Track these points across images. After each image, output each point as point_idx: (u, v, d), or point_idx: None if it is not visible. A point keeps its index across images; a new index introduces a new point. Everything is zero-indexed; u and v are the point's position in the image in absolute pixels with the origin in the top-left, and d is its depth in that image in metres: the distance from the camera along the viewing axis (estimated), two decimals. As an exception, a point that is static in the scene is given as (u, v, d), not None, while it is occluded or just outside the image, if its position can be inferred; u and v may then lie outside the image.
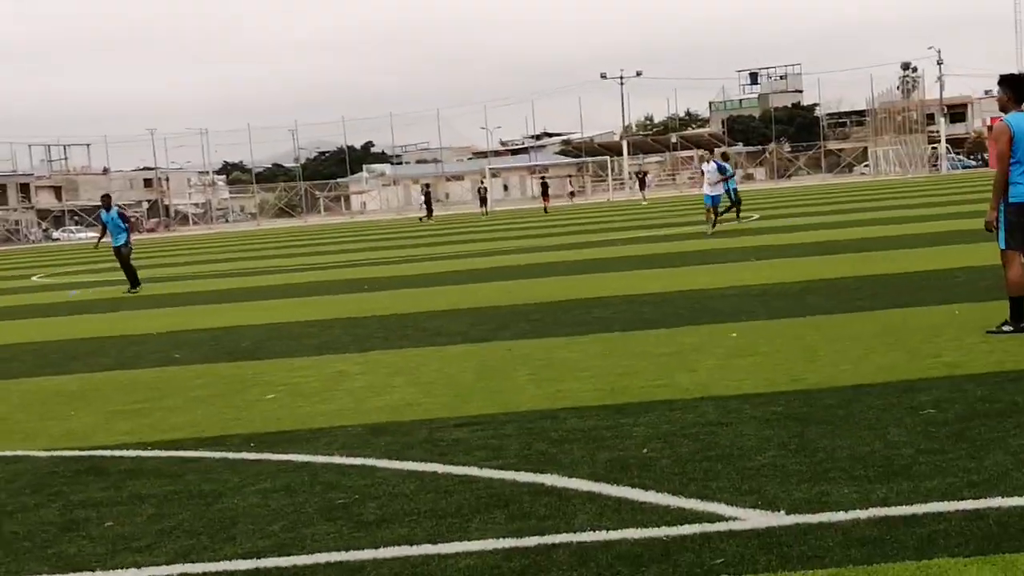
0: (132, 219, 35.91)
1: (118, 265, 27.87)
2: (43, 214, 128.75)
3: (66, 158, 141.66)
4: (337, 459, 8.09)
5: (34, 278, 39.74)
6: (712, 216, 33.30)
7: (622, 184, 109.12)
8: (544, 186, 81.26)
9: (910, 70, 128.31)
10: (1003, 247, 11.12)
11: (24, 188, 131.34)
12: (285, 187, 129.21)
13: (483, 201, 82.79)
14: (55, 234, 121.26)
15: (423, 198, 78.86)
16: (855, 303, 14.44)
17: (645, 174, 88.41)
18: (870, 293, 15.22)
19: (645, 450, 7.60)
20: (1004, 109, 11.15)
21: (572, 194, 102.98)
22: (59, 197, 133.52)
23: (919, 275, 17.09)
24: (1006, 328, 11.02)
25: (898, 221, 31.85)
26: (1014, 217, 11.00)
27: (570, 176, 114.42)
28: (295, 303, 21.08)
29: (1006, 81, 11.16)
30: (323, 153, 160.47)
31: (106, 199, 27.98)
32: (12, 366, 15.02)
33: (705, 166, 34.53)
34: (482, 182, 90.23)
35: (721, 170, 33.61)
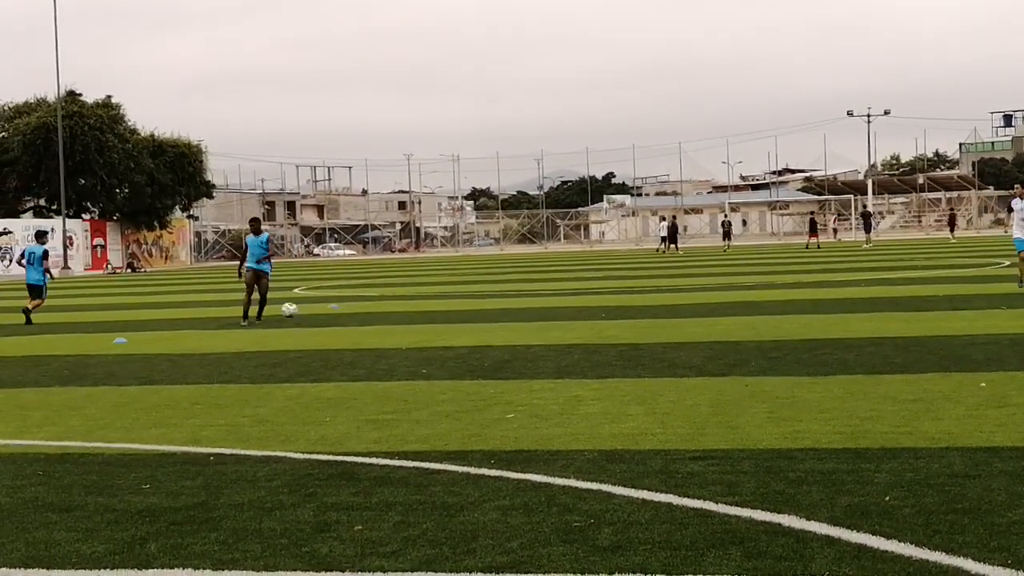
0: (274, 251, 35.59)
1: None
2: (306, 231, 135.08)
3: (329, 179, 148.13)
4: (573, 482, 8.16)
5: (296, 290, 41.04)
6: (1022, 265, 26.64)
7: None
8: (812, 223, 79.98)
9: None
10: None
11: (291, 206, 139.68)
12: (528, 214, 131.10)
13: (726, 235, 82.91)
14: (316, 250, 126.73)
15: (666, 229, 78.65)
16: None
17: (870, 215, 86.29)
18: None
19: (887, 497, 7.43)
20: None
21: (835, 230, 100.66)
22: (321, 215, 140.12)
23: None
24: None
25: None
26: None
27: (838, 214, 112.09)
28: (535, 327, 21.27)
29: None
30: (566, 182, 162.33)
31: (255, 223, 26.29)
32: (276, 371, 15.62)
33: (1017, 203, 26.98)
34: (725, 216, 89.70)
35: None
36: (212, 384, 14.53)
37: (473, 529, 7.01)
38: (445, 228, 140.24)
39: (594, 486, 8.01)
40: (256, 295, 25.07)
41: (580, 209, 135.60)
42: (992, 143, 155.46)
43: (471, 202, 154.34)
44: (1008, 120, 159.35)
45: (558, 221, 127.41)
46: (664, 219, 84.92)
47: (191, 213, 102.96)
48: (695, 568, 6.09)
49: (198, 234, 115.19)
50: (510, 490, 7.99)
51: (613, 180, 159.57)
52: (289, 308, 25.93)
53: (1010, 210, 27.97)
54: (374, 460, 9.25)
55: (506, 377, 14.09)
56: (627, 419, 10.73)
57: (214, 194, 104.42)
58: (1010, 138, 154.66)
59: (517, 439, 9.92)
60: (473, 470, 8.71)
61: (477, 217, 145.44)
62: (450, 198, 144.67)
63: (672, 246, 75.60)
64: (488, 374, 14.47)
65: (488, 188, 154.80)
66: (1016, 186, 27.60)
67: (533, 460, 9.00)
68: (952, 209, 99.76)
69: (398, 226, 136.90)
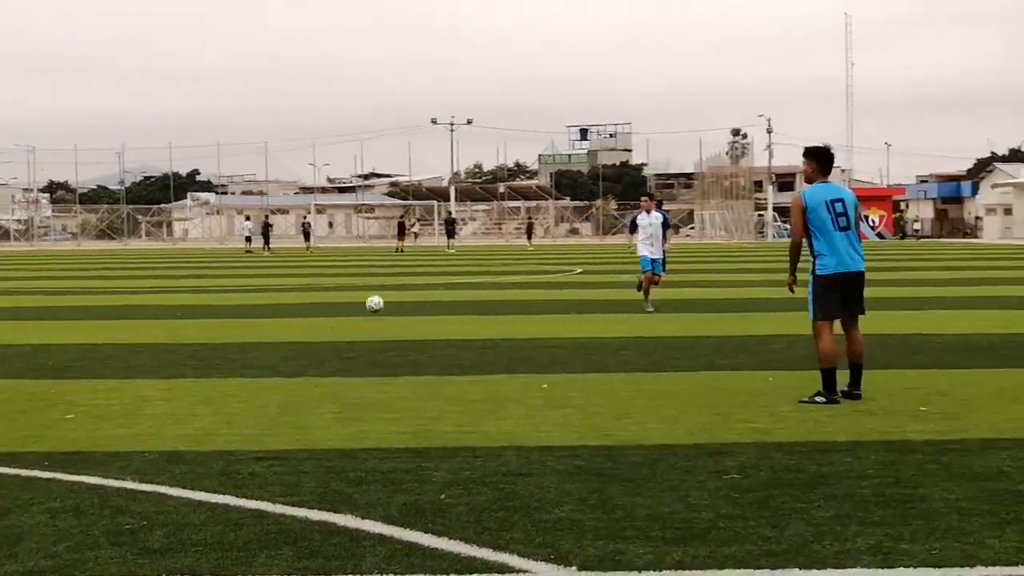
0: None
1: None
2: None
3: None
4: (130, 484, 7.89)
5: None
6: (648, 285, 23.51)
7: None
8: (401, 226, 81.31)
9: (740, 136, 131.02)
10: (813, 319, 11.34)
11: None
12: (108, 209, 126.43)
13: (307, 236, 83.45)
14: None
15: (261, 228, 78.01)
16: (672, 362, 14.52)
17: (454, 221, 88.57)
18: (688, 354, 15.34)
19: (443, 496, 7.49)
20: (809, 180, 11.54)
21: (416, 235, 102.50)
22: None
23: (737, 339, 17.22)
24: (819, 399, 11.18)
25: (720, 285, 32.26)
26: (821, 290, 11.28)
27: (418, 219, 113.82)
28: (107, 325, 20.55)
29: (810, 153, 11.56)
30: (149, 178, 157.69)
31: None
32: None
33: (643, 218, 23.85)
34: (306, 217, 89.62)
35: (666, 224, 24.45)
36: None
37: (19, 533, 6.67)
38: (20, 221, 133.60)
39: (151, 488, 7.76)
40: None
41: (163, 206, 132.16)
42: (569, 155, 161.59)
43: (47, 195, 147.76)
44: (584, 134, 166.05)
45: (140, 217, 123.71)
46: (249, 218, 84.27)
47: None
48: (245, 569, 5.97)
49: None
50: (62, 492, 7.64)
51: (198, 177, 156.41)
52: (375, 302, 22.46)
53: (634, 226, 24.90)
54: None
55: (70, 377, 13.49)
56: (193, 420, 10.45)
57: None
58: (586, 151, 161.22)
59: (75, 440, 9.50)
60: (25, 472, 8.29)
61: (54, 211, 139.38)
62: (25, 190, 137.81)
63: (265, 247, 75.15)
64: (51, 374, 13.82)
65: (66, 181, 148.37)
66: (643, 199, 24.65)
67: (90, 462, 8.62)
68: (530, 218, 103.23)
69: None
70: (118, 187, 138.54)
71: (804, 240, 11.49)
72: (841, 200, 11.39)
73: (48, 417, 10.66)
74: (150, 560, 6.10)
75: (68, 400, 11.63)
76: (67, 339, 17.93)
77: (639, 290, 23.70)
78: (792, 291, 11.85)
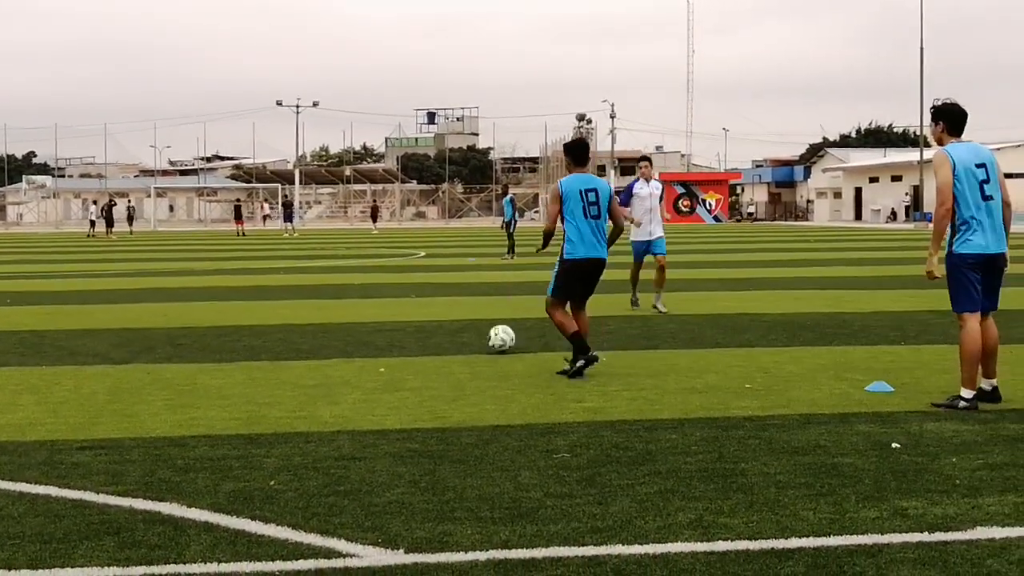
0: None
1: None
2: None
3: None
4: (-58, 478, 7.54)
5: None
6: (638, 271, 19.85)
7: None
8: (237, 208, 79.92)
9: (585, 121, 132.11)
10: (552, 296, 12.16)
11: None
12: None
13: (109, 221, 75.77)
14: None
15: (100, 211, 76.06)
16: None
17: (291, 204, 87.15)
18: (524, 335, 15.33)
19: (272, 482, 7.37)
20: (568, 170, 12.37)
21: (266, 217, 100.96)
22: None
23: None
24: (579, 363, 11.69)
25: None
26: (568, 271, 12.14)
27: (266, 201, 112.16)
28: (-72, 312, 19.83)
29: (568, 149, 12.42)
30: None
31: None
32: None
33: (641, 186, 19.21)
34: (107, 200, 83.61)
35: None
36: None
37: None
38: None
39: (-35, 481, 7.46)
40: None
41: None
42: (416, 139, 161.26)
43: None
44: (432, 117, 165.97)
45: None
46: (96, 202, 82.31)
47: None
48: (64, 561, 5.78)
49: None
50: None
51: (34, 160, 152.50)
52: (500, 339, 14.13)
53: (628, 197, 19.02)
54: None
55: None
56: (17, 409, 10.13)
57: None
58: (433, 135, 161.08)
59: None
60: None
61: None
62: None
63: (108, 230, 73.57)
64: None
65: None
66: (641, 164, 19.55)
67: None
68: (375, 201, 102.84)
69: None
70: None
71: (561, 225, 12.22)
72: (594, 190, 12.14)
73: None
74: (-40, 554, 5.86)
75: None
76: None
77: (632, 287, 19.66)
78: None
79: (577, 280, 12.12)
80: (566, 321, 11.97)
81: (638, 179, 19.24)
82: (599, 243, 12.09)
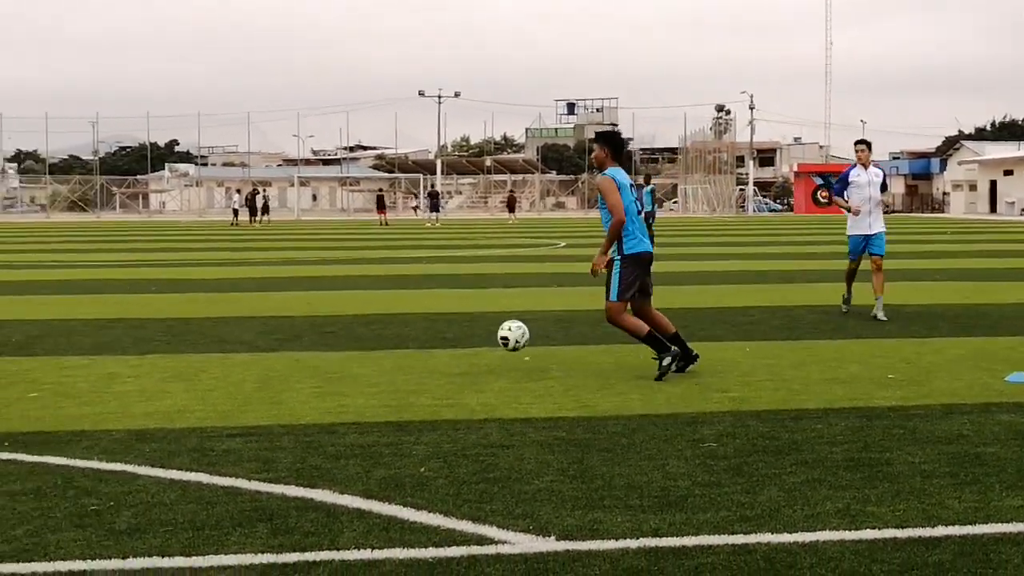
0: None
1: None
2: None
3: None
4: (96, 464, 7.67)
5: None
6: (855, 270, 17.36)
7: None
8: (380, 198, 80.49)
9: (723, 112, 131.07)
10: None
11: None
12: (80, 180, 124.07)
13: (256, 210, 77.25)
14: None
15: (244, 200, 77.23)
16: (650, 333, 14.48)
17: (437, 194, 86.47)
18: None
19: (423, 469, 7.40)
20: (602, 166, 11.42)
21: (416, 208, 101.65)
22: None
23: (716, 310, 17.34)
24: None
25: (701, 258, 32.32)
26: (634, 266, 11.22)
27: (411, 193, 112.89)
28: (77, 300, 20.25)
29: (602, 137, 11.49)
30: (124, 148, 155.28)
31: None
32: None
33: (858, 173, 16.70)
34: (251, 189, 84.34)
35: (884, 186, 17.27)
36: None
37: (-26, 516, 6.44)
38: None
39: (118, 467, 7.56)
40: None
41: (139, 177, 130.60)
42: (556, 129, 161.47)
43: (15, 165, 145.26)
44: (571, 108, 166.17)
45: (114, 189, 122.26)
46: (239, 191, 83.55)
47: None
48: (218, 548, 5.82)
49: None
50: (23, 474, 7.41)
51: (177, 148, 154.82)
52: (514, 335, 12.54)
53: (844, 185, 16.89)
54: None
55: (34, 354, 13.19)
56: (165, 397, 10.27)
57: None
58: (572, 126, 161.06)
59: (38, 420, 9.24)
60: (-16, 453, 8.06)
61: (22, 181, 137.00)
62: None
63: (253, 219, 74.67)
64: (13, 351, 13.49)
65: (35, 151, 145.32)
66: (858, 147, 16.80)
67: (53, 442, 8.39)
68: (512, 191, 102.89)
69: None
70: (91, 157, 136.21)
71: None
72: (634, 184, 11.54)
73: (9, 396, 10.38)
74: (116, 542, 5.93)
75: (32, 378, 11.35)
76: (33, 314, 17.63)
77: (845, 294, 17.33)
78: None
79: (641, 276, 11.31)
80: (638, 323, 11.17)
81: (854, 165, 16.86)
82: (648, 236, 11.57)
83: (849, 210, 16.48)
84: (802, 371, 11.40)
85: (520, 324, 11.78)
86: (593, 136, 11.62)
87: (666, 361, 10.95)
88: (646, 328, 11.12)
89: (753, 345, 13.31)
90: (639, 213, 11.36)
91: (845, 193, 16.68)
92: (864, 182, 16.48)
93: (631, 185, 11.41)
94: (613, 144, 11.40)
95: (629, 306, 11.28)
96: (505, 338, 11.68)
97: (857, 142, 16.80)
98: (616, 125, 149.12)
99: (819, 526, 6.08)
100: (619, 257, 11.15)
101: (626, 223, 11.09)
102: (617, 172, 11.30)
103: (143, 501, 6.71)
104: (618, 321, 11.19)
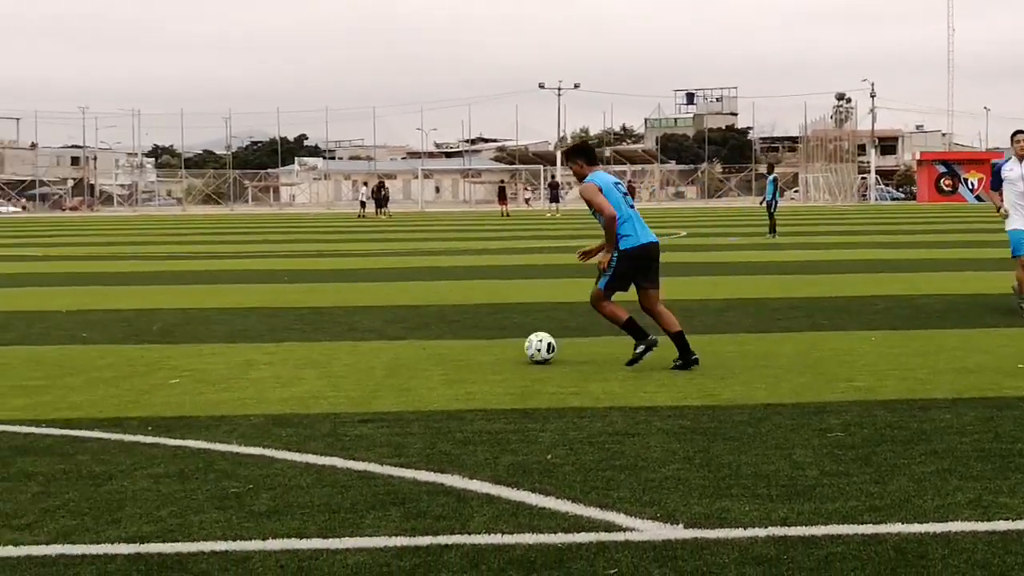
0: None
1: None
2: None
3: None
4: (235, 448, 7.91)
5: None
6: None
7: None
8: (501, 190, 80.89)
9: (844, 100, 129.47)
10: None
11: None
12: (214, 174, 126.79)
13: (380, 202, 76.82)
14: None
15: (370, 192, 77.95)
16: (776, 323, 14.49)
17: (558, 185, 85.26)
18: (791, 315, 15.24)
19: (549, 456, 7.50)
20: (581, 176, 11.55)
21: (528, 200, 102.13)
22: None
23: (841, 300, 17.19)
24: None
25: (824, 247, 32.04)
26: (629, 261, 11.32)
27: (529, 185, 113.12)
28: (213, 289, 20.80)
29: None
30: (256, 143, 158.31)
31: None
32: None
33: (1014, 167, 15.16)
34: (377, 182, 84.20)
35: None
36: None
37: (120, 498, 6.65)
38: (123, 186, 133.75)
39: (256, 451, 7.79)
40: None
41: (270, 171, 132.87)
42: (675, 119, 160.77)
43: (152, 160, 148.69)
44: (691, 98, 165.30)
45: (246, 182, 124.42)
46: (366, 183, 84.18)
47: None
48: (353, 530, 5.98)
49: None
50: (166, 457, 7.65)
51: (306, 142, 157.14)
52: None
53: (997, 180, 15.60)
54: (17, 428, 8.69)
55: (174, 341, 13.59)
56: (299, 383, 10.52)
57: None
58: (692, 115, 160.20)
59: (179, 405, 9.55)
60: (128, 437, 8.30)
61: (159, 176, 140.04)
62: (129, 155, 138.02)
63: (379, 211, 75.24)
64: (155, 338, 13.92)
65: (171, 146, 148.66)
66: (1016, 137, 15.13)
67: (194, 426, 8.66)
68: (630, 181, 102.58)
69: (70, 183, 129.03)
70: (224, 152, 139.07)
71: None
72: (619, 181, 11.73)
73: (151, 382, 10.72)
74: (256, 523, 6.11)
75: (172, 365, 11.71)
76: (171, 303, 18.13)
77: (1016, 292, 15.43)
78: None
79: (637, 271, 11.43)
80: (617, 311, 11.36)
81: (1008, 159, 15.51)
82: (647, 227, 11.60)
83: (999, 209, 15.42)
84: (929, 360, 11.31)
85: (541, 336, 11.78)
86: (564, 158, 11.83)
87: (640, 348, 11.15)
88: (625, 316, 11.32)
89: (878, 335, 13.22)
90: (631, 208, 11.49)
91: (1004, 187, 15.27)
92: (1016, 177, 15.11)
93: (615, 183, 11.62)
94: (585, 154, 11.77)
95: (637, 297, 11.59)
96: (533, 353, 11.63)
97: (1015, 133, 15.23)
98: (736, 114, 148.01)
99: (950, 516, 6.04)
100: (616, 252, 11.34)
101: (619, 219, 11.25)
102: (596, 175, 11.53)
103: (280, 484, 6.91)
104: (599, 307, 11.48)
